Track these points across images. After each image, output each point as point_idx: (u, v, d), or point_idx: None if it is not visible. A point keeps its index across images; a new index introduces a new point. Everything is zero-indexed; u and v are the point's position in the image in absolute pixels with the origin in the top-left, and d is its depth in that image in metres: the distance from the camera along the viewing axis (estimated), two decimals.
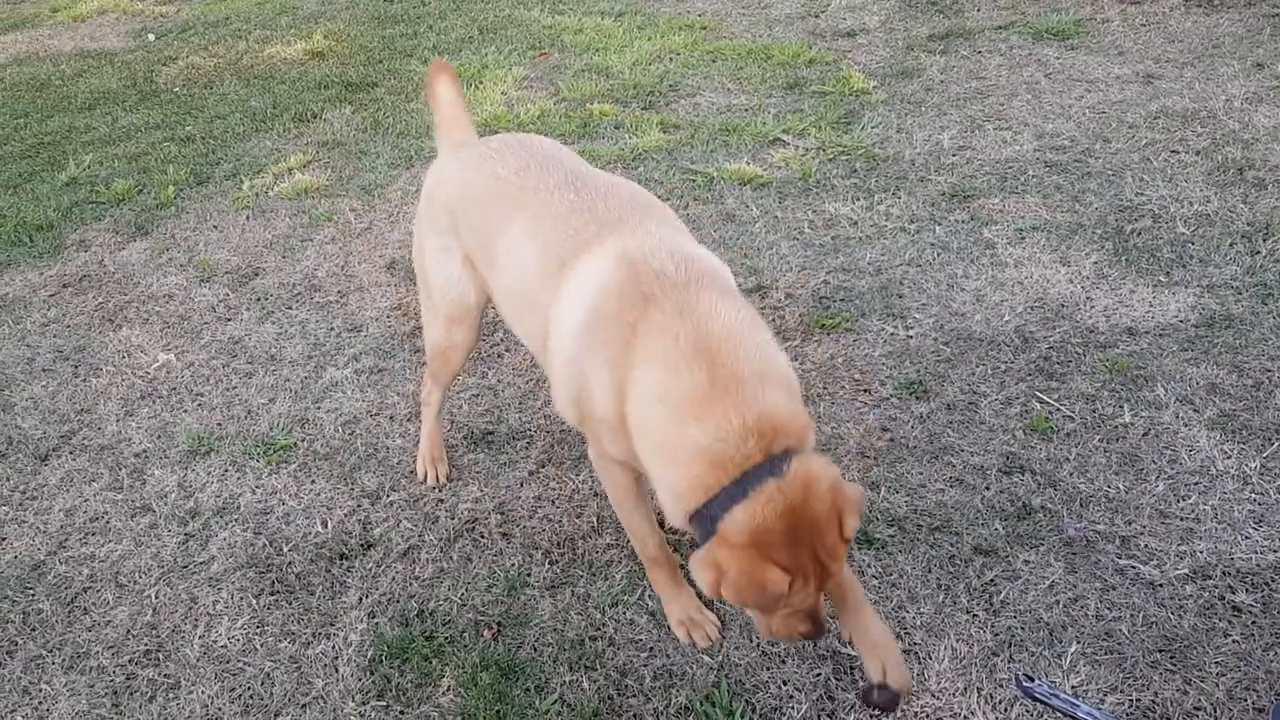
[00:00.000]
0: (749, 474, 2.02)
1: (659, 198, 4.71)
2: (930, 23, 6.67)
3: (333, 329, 4.23)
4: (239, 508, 3.36)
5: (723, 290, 2.28)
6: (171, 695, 2.77)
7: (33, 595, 3.15)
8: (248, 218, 5.29)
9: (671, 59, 6.65)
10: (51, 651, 2.95)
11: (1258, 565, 2.71)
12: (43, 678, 2.87)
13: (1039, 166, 4.72)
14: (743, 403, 2.04)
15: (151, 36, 8.90)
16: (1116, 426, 3.21)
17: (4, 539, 3.38)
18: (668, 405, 2.11)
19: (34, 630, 3.03)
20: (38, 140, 6.85)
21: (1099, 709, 2.28)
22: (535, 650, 2.74)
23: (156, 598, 3.08)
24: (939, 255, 4.15)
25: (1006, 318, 3.74)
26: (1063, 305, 3.77)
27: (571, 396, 2.44)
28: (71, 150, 6.54)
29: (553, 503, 3.23)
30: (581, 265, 2.40)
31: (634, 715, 2.54)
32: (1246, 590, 2.65)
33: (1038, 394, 3.37)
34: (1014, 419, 3.28)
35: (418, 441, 3.46)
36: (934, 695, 2.48)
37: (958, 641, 2.60)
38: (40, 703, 2.80)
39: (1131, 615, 2.61)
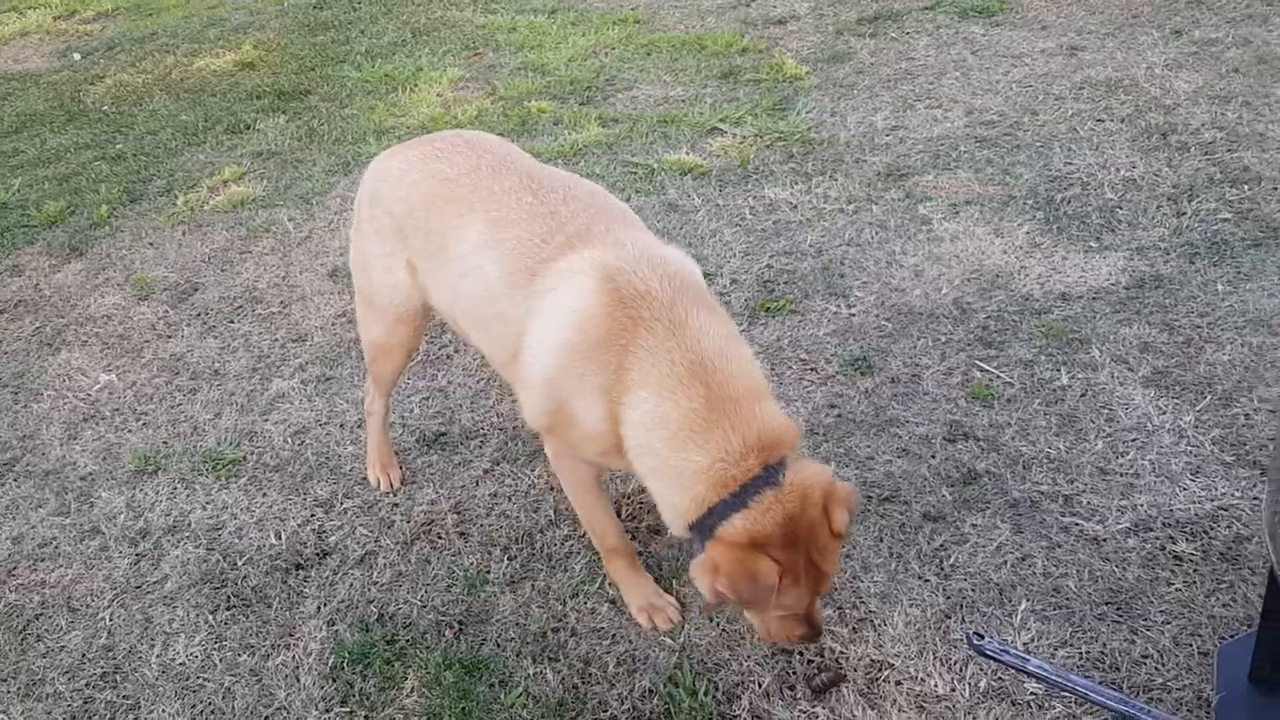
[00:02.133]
0: (747, 486, 2.11)
1: None
2: (859, 7, 6.74)
3: (277, 340, 4.20)
4: (190, 525, 3.33)
5: (703, 303, 2.32)
6: (131, 716, 2.74)
7: None
8: (184, 233, 5.23)
9: (607, 54, 6.67)
10: (5, 680, 2.91)
11: (1195, 515, 2.79)
12: None
13: (970, 142, 4.80)
14: (741, 423, 2.13)
15: (77, 56, 8.74)
16: (1055, 389, 3.28)
17: None
18: (668, 431, 2.18)
19: None
20: None
21: (1049, 663, 2.34)
22: (498, 646, 2.75)
23: (111, 619, 3.04)
24: (877, 234, 4.21)
25: (945, 290, 3.80)
26: (998, 275, 3.84)
27: (546, 410, 2.44)
28: (0, 175, 6.42)
29: (509, 499, 3.23)
30: (556, 279, 2.38)
31: (599, 702, 2.56)
32: (1186, 539, 2.72)
33: (977, 363, 3.44)
34: (956, 388, 3.35)
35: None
36: (890, 660, 2.53)
37: (911, 607, 2.65)
38: None
39: (1078, 571, 2.67)
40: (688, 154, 5.09)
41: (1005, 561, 2.73)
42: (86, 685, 2.85)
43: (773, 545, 2.10)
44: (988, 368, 3.41)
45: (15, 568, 3.29)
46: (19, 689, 2.87)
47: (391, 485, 3.33)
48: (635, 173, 5.01)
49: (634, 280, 2.27)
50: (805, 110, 5.35)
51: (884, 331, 3.65)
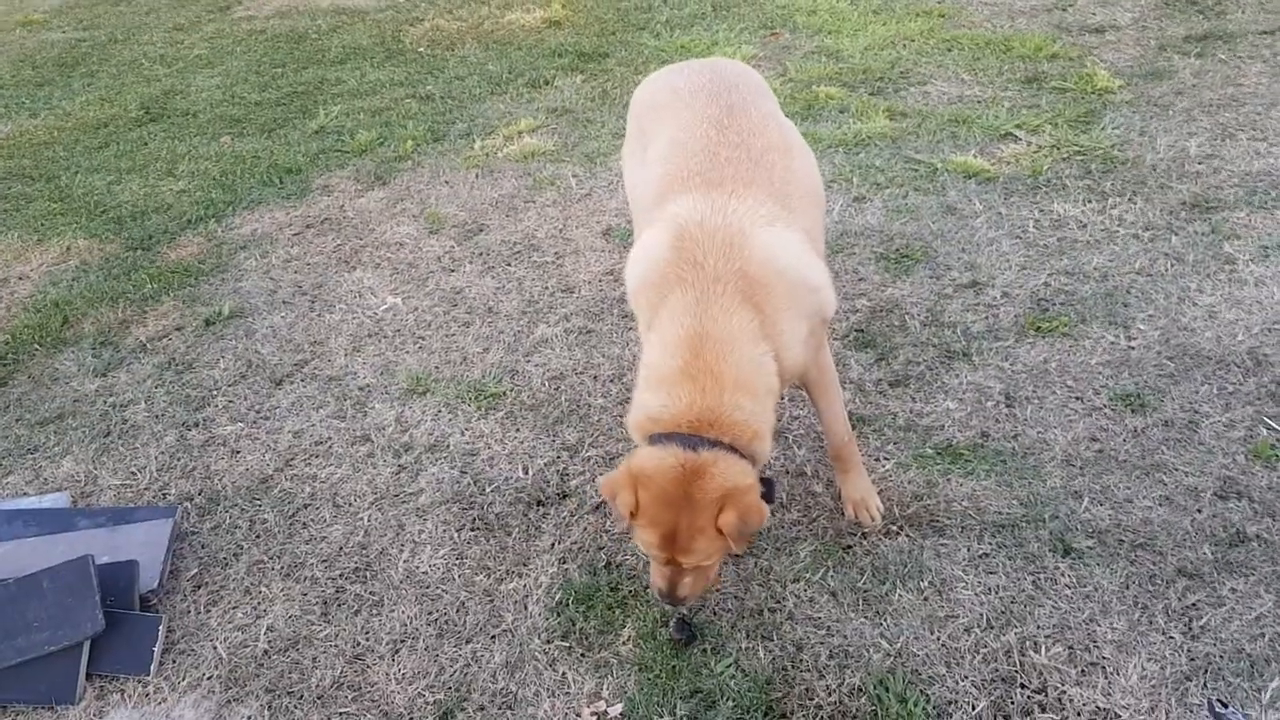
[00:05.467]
0: (670, 435, 2.36)
1: (880, 184, 4.68)
2: (1188, 23, 6.29)
3: (547, 288, 4.40)
4: (449, 447, 3.56)
5: (747, 294, 2.42)
6: (375, 611, 2.98)
7: (259, 506, 3.43)
8: (477, 176, 5.54)
9: (905, 45, 6.53)
10: (272, 559, 3.22)
11: None
12: (263, 581, 3.14)
13: None
14: (702, 394, 2.36)
15: None
16: None
17: (238, 452, 3.69)
18: (650, 373, 2.46)
19: (258, 538, 3.31)
20: (292, 90, 7.36)
21: None
22: (714, 615, 2.80)
23: (368, 521, 3.31)
24: (1172, 266, 3.95)
25: (1240, 337, 3.52)
26: None
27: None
28: (322, 101, 7.00)
29: None
30: (663, 211, 2.62)
31: (806, 689, 2.57)
32: None
33: (1266, 419, 3.17)
34: (1236, 443, 3.11)
35: (618, 402, 3.57)
36: (1118, 711, 2.40)
37: (1149, 661, 2.50)
38: (259, 604, 3.07)
39: None
40: (975, 157, 4.93)
41: (1263, 634, 2.53)
42: (340, 576, 3.12)
43: (644, 487, 2.34)
44: (1276, 427, 3.14)
45: (293, 458, 3.62)
46: (282, 568, 3.17)
47: None
48: (917, 170, 4.89)
49: (694, 249, 2.47)
50: (1112, 126, 5.06)
51: (1164, 371, 3.43)
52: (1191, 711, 2.38)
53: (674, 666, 2.66)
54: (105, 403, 4.05)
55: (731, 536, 2.33)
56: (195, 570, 3.20)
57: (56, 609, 2.88)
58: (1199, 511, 2.89)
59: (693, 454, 2.31)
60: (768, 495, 2.43)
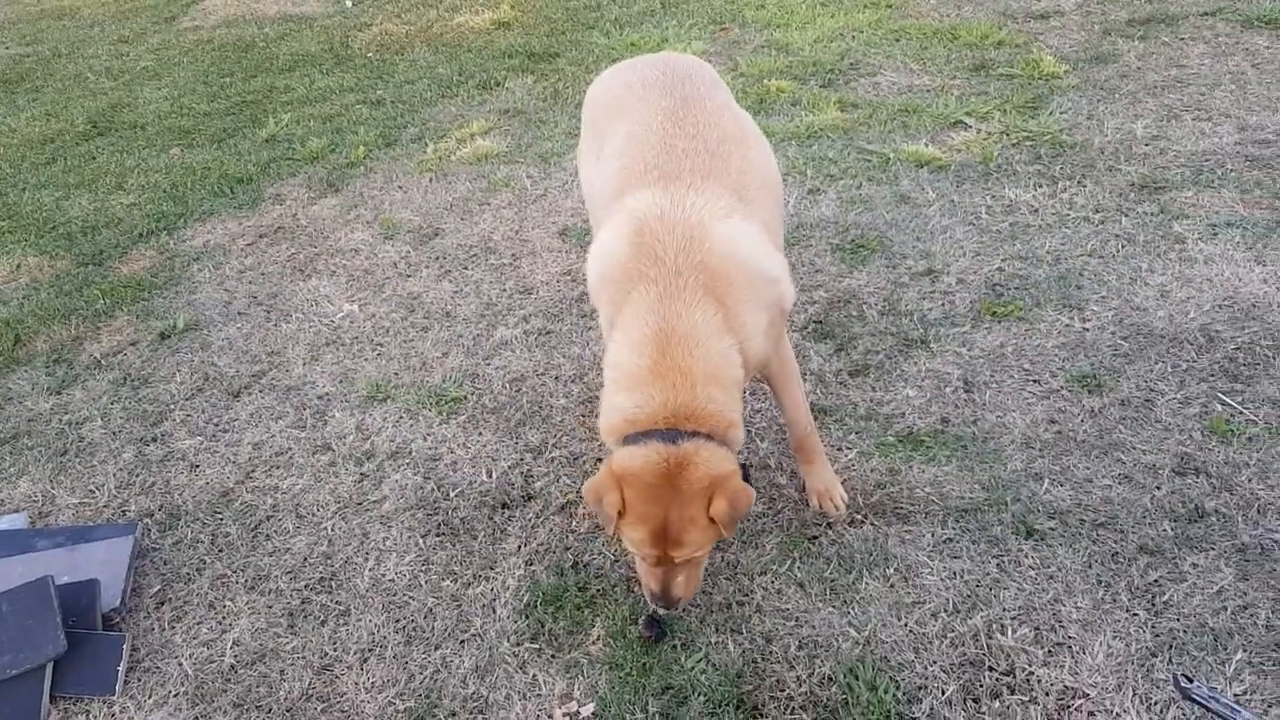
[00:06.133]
0: (649, 433, 2.35)
1: (834, 176, 4.70)
2: (1130, 6, 6.37)
3: (505, 290, 4.38)
4: (411, 453, 3.54)
5: (710, 287, 2.42)
6: (342, 621, 2.95)
7: (221, 520, 3.39)
8: (430, 180, 5.51)
9: (854, 37, 6.57)
10: (236, 572, 3.18)
11: None
12: (227, 595, 3.11)
13: (1239, 160, 4.47)
14: (674, 390, 2.35)
15: (349, 3, 9.31)
16: None
17: (198, 466, 3.65)
18: (618, 373, 2.44)
19: (221, 552, 3.27)
20: (241, 99, 7.29)
21: (1261, 719, 2.19)
22: (683, 610, 2.80)
23: (332, 530, 3.28)
24: (1123, 247, 4.00)
25: (1192, 315, 3.58)
26: (1254, 305, 3.58)
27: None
28: (271, 109, 6.94)
29: None
30: (622, 206, 2.60)
31: (777, 681, 2.57)
32: None
33: (1220, 395, 3.22)
34: (1192, 419, 3.15)
35: (580, 402, 3.57)
36: (1085, 690, 2.43)
37: (1114, 639, 2.53)
38: (224, 618, 3.03)
39: None
40: (927, 146, 4.97)
41: (1225, 607, 2.57)
42: (305, 587, 3.09)
43: (630, 485, 2.33)
44: (1231, 402, 3.19)
45: (254, 470, 3.58)
46: (246, 581, 3.14)
47: None
48: (869, 161, 4.92)
49: (654, 242, 2.46)
50: (1059, 111, 5.12)
51: (1119, 351, 3.47)
52: (1158, 687, 2.41)
53: (644, 664, 2.66)
54: (61, 421, 3.99)
55: (723, 523, 2.33)
56: (158, 587, 3.16)
57: (17, 632, 2.83)
58: (1158, 489, 2.93)
59: (674, 447, 2.32)
60: (746, 479, 2.45)
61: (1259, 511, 2.81)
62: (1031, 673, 2.49)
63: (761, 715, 2.50)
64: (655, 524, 2.35)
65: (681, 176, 2.60)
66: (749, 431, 3.35)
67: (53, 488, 3.63)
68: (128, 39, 9.44)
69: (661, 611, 2.65)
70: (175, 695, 2.80)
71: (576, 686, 2.64)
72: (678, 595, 2.50)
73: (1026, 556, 2.78)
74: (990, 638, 2.59)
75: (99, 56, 8.99)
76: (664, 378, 2.37)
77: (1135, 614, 2.59)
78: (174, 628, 3.01)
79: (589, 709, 2.58)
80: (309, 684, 2.78)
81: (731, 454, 2.41)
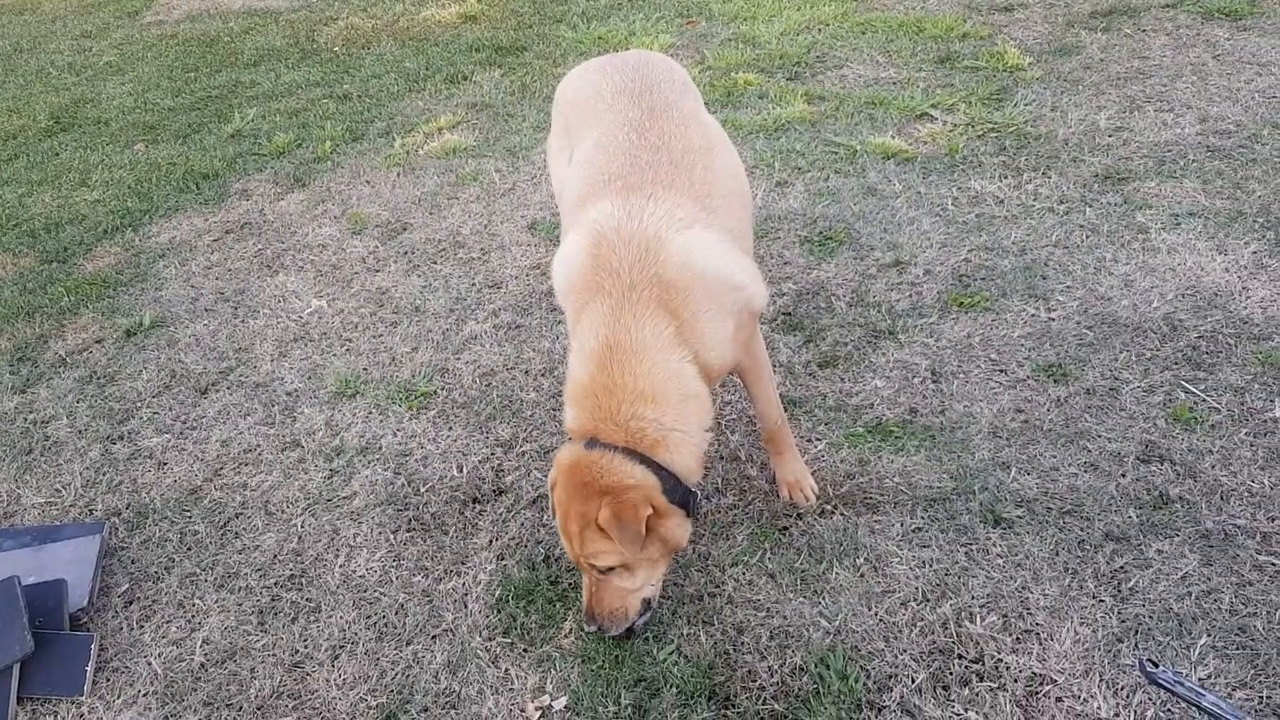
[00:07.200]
0: (587, 440, 2.45)
1: (801, 168, 4.71)
2: None
3: (474, 284, 4.37)
4: (381, 448, 3.52)
5: (661, 301, 2.44)
6: (312, 618, 2.94)
7: (189, 518, 3.37)
8: (398, 174, 5.48)
9: (820, 30, 6.59)
10: (205, 570, 3.16)
11: None
12: (196, 593, 3.08)
13: (1200, 151, 4.52)
14: (600, 408, 2.43)
15: None
16: (1265, 421, 3.09)
17: (165, 464, 3.62)
18: (571, 384, 2.52)
19: (190, 550, 3.25)
20: (206, 94, 7.22)
21: (1226, 701, 2.23)
22: (605, 635, 2.78)
23: (302, 527, 3.26)
24: (1088, 238, 4.04)
25: (1155, 304, 3.62)
26: (1216, 294, 3.63)
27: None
28: (236, 104, 6.88)
29: None
30: (584, 217, 2.63)
31: (749, 671, 2.59)
32: None
33: (1183, 383, 3.27)
34: (1156, 407, 3.19)
35: (550, 396, 3.56)
36: (1053, 676, 2.46)
37: (1081, 625, 2.56)
38: (193, 616, 3.01)
39: (1268, 612, 2.52)
40: (893, 138, 5.00)
41: (1190, 593, 2.61)
42: (275, 584, 3.07)
43: (557, 482, 2.47)
44: (1194, 390, 3.23)
45: (222, 468, 3.56)
46: (215, 579, 3.12)
47: None
48: (837, 153, 4.94)
49: (610, 255, 2.50)
50: (1024, 102, 5.16)
51: (1084, 340, 3.51)
52: (1124, 672, 2.44)
53: (616, 656, 2.66)
54: (25, 420, 3.94)
55: (611, 533, 2.36)
56: (126, 586, 3.13)
57: None
58: (1123, 476, 2.97)
59: (585, 452, 2.42)
60: (685, 505, 2.49)
61: (1222, 498, 2.85)
62: (1000, 660, 2.52)
63: (733, 706, 2.52)
64: (563, 512, 2.46)
65: (643, 188, 2.61)
66: (719, 424, 3.36)
67: (18, 487, 3.59)
68: (90, 34, 9.33)
69: (589, 629, 2.64)
70: (144, 695, 2.78)
71: (549, 680, 2.65)
72: (599, 612, 2.55)
73: (994, 545, 2.81)
74: (959, 626, 2.61)
75: (61, 51, 8.88)
76: (594, 396, 2.44)
77: (1101, 600, 2.62)
78: (143, 627, 2.99)
79: (561, 702, 2.58)
80: (280, 682, 2.76)
81: (652, 474, 2.41)
